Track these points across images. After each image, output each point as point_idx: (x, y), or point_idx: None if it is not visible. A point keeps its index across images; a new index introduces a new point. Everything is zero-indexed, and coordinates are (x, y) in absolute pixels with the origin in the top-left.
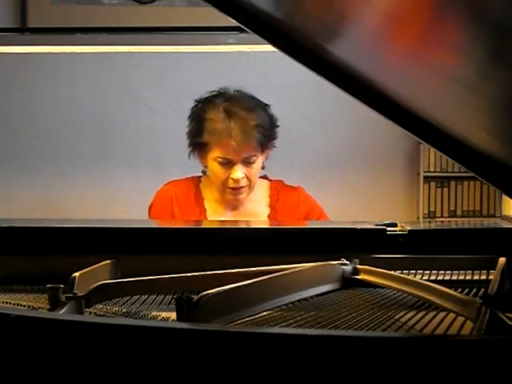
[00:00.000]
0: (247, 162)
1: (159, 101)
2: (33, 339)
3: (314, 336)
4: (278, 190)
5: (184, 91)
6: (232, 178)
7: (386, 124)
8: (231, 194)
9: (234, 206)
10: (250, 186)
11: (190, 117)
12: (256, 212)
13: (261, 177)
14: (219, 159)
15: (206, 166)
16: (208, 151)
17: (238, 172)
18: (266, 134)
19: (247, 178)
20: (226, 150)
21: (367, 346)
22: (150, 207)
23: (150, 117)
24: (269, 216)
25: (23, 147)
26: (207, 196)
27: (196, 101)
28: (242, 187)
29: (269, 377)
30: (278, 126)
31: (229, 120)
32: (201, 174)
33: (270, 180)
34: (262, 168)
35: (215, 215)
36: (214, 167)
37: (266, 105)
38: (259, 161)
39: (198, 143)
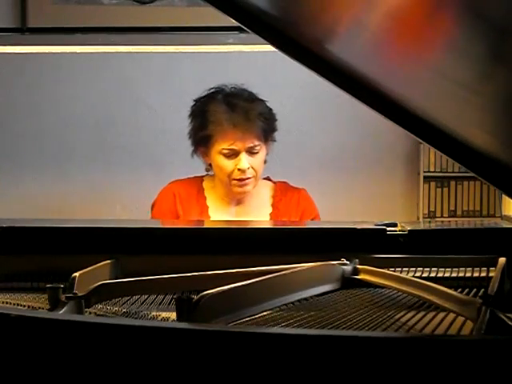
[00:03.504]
0: (251, 152)
1: (159, 101)
2: (33, 339)
3: (314, 336)
4: (282, 191)
5: (184, 91)
6: (239, 169)
7: (386, 124)
8: (238, 186)
9: (239, 201)
10: (256, 178)
11: (190, 115)
12: (259, 209)
13: (264, 178)
14: (224, 151)
15: (209, 164)
16: (212, 145)
17: (244, 161)
18: (267, 122)
19: (253, 168)
20: (231, 139)
21: (367, 346)
22: (153, 205)
23: (150, 117)
24: (271, 214)
25: (23, 147)
26: (210, 194)
27: (195, 100)
28: (248, 178)
29: (269, 377)
30: (276, 120)
31: (231, 110)
32: (203, 174)
33: (274, 182)
34: (265, 162)
35: (218, 211)
36: (220, 160)
37: (262, 100)
38: (263, 152)
39: (202, 137)
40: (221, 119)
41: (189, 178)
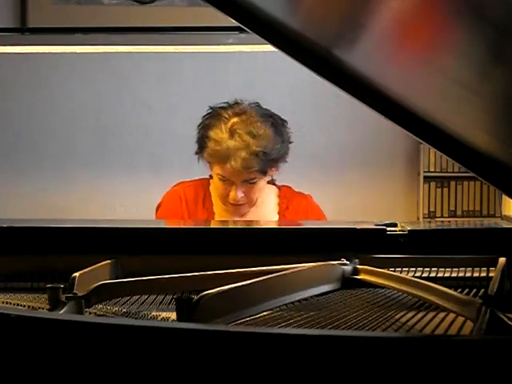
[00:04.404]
0: (248, 182)
1: (159, 101)
2: (33, 339)
3: (314, 336)
4: (288, 198)
5: (184, 91)
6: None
7: (386, 124)
8: (232, 208)
9: (241, 214)
10: (251, 204)
11: (199, 125)
12: (265, 218)
13: (268, 182)
14: (219, 176)
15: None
16: (211, 167)
17: (237, 192)
18: (268, 159)
19: (247, 196)
20: (225, 171)
21: (367, 346)
22: (158, 207)
23: (149, 117)
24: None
25: (23, 147)
26: (216, 200)
27: (211, 107)
28: (241, 204)
29: (269, 377)
30: (291, 142)
31: (232, 140)
32: (209, 176)
33: (279, 187)
34: (272, 181)
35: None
36: (216, 181)
37: (283, 120)
38: (261, 182)
39: (203, 158)
40: (217, 152)
41: (196, 181)
